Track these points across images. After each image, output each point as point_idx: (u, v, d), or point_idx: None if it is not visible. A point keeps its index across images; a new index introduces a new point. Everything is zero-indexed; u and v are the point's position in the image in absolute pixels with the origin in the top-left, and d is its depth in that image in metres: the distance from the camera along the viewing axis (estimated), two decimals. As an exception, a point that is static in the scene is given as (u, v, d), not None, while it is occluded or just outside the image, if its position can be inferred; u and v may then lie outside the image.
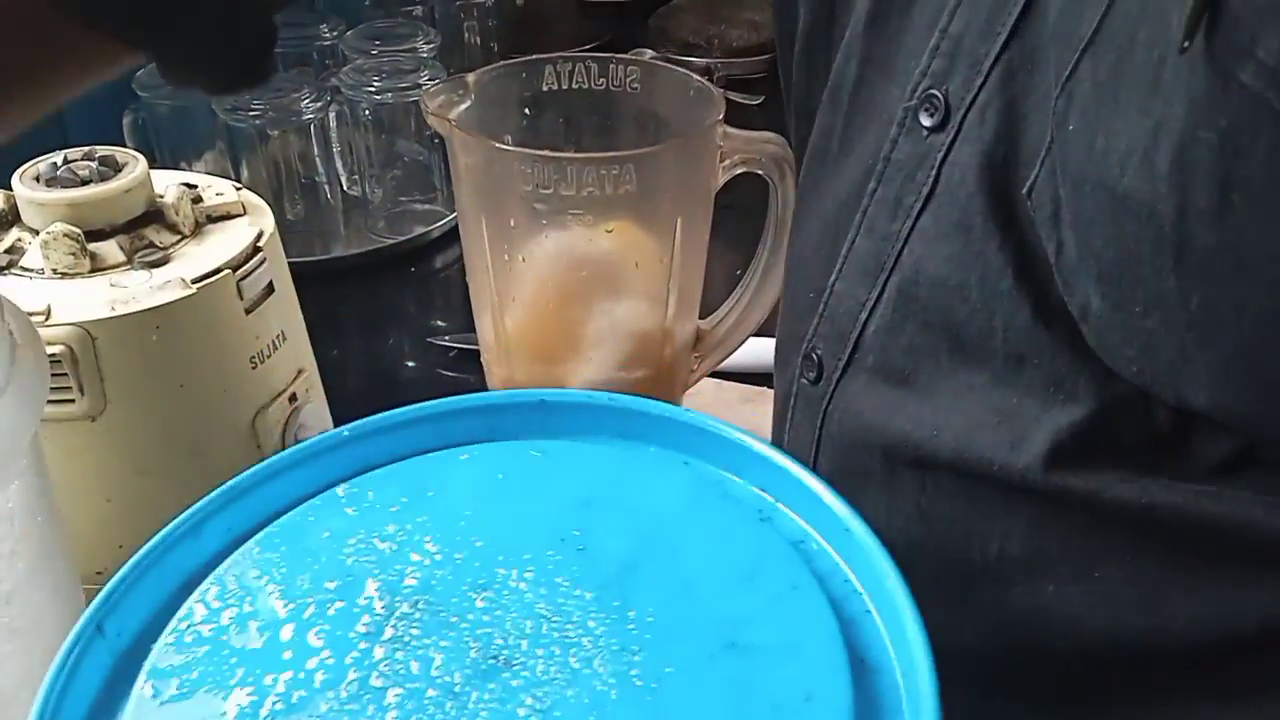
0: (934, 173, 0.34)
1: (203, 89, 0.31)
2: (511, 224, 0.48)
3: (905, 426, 0.36)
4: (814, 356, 0.40)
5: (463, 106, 0.51)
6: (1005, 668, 0.36)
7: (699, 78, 0.53)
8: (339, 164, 0.90)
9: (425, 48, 0.91)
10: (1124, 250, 0.28)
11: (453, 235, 0.92)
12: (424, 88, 0.84)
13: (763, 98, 1.21)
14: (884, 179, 0.36)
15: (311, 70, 0.93)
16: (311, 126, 0.85)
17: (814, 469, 0.39)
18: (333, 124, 0.87)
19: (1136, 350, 0.29)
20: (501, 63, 0.54)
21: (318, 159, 0.88)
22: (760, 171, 0.52)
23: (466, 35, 1.09)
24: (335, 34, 0.94)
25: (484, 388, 0.63)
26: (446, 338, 0.78)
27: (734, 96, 1.18)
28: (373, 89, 0.85)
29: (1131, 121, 0.27)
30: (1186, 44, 0.25)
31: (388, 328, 0.84)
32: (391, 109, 0.88)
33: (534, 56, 0.54)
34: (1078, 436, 0.31)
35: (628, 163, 0.46)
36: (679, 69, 0.54)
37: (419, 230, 0.90)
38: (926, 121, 0.34)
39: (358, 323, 0.85)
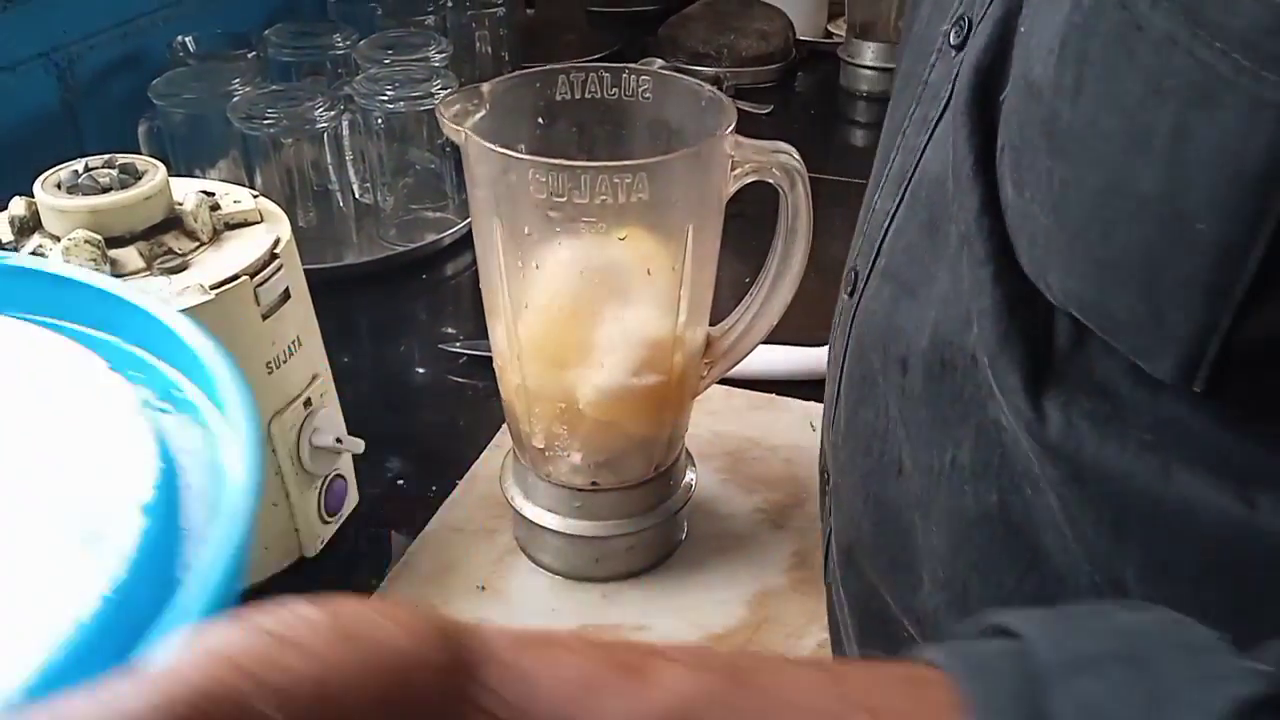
0: (951, 86, 0.37)
1: None
2: (526, 231, 0.49)
3: (899, 323, 0.39)
4: (853, 272, 0.43)
5: (477, 116, 0.52)
6: (970, 572, 0.37)
7: (710, 88, 0.53)
8: (351, 172, 0.91)
9: (437, 57, 0.92)
10: (1024, 137, 0.31)
11: (464, 243, 0.93)
12: (438, 97, 0.85)
13: (772, 106, 1.21)
14: (920, 100, 0.39)
15: (325, 79, 0.94)
16: (325, 135, 0.85)
17: (838, 387, 0.45)
18: (345, 132, 0.88)
19: (1026, 238, 0.31)
20: (516, 73, 0.55)
21: (330, 167, 0.89)
22: (771, 180, 0.52)
23: (478, 44, 1.10)
24: (348, 43, 0.95)
25: (496, 394, 0.64)
26: (457, 344, 0.79)
27: (743, 105, 1.19)
28: (385, 98, 0.86)
29: (1048, 18, 0.30)
30: None
31: (399, 334, 0.84)
32: (404, 118, 0.89)
33: (547, 66, 0.55)
34: (997, 325, 0.33)
35: (640, 171, 0.47)
36: (690, 79, 0.55)
37: (430, 238, 0.91)
38: (954, 41, 0.37)
39: (369, 329, 0.86)
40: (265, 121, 0.81)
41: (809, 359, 0.75)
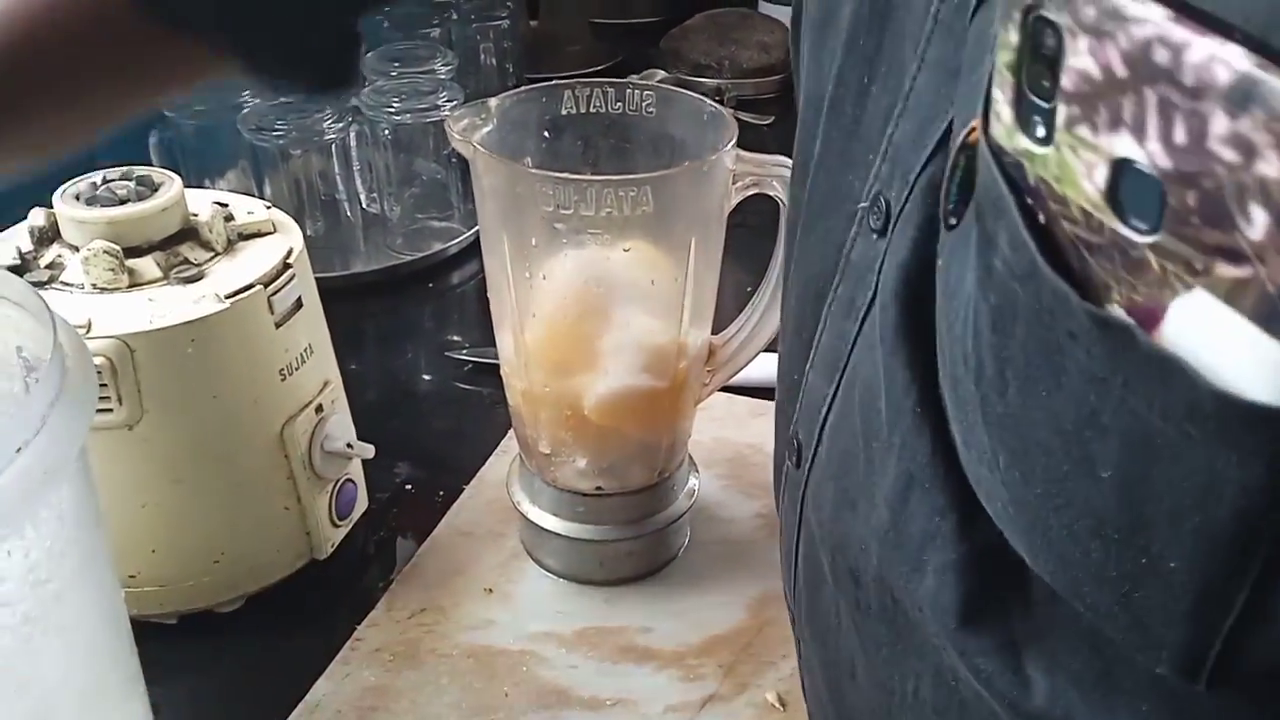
0: (876, 278, 0.32)
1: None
2: (533, 242, 0.50)
3: (845, 534, 0.34)
4: (795, 441, 0.39)
5: (485, 129, 0.54)
6: None
7: (712, 103, 0.55)
8: (358, 182, 0.92)
9: (443, 69, 0.93)
10: (958, 399, 0.27)
11: (469, 252, 0.94)
12: (444, 109, 0.86)
13: (773, 118, 1.23)
14: (844, 276, 0.35)
15: (332, 91, 0.96)
16: (333, 146, 0.87)
17: (795, 559, 0.39)
18: (353, 143, 0.90)
19: (984, 495, 0.27)
20: (523, 87, 0.56)
21: (338, 177, 0.90)
22: (771, 193, 0.54)
23: (483, 56, 1.12)
24: (356, 56, 0.96)
25: (502, 400, 0.65)
26: (464, 351, 0.80)
27: (744, 117, 1.20)
28: (392, 110, 0.87)
29: (959, 270, 0.26)
30: (953, 222, 0.26)
31: (406, 341, 0.86)
32: (410, 129, 0.90)
33: (553, 81, 0.56)
34: (962, 581, 0.28)
35: (645, 185, 0.48)
36: (693, 94, 0.56)
37: (437, 247, 0.92)
38: (874, 225, 0.33)
39: (377, 337, 0.87)
40: (275, 133, 0.82)
41: (809, 367, 0.76)
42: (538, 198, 0.48)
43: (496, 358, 0.79)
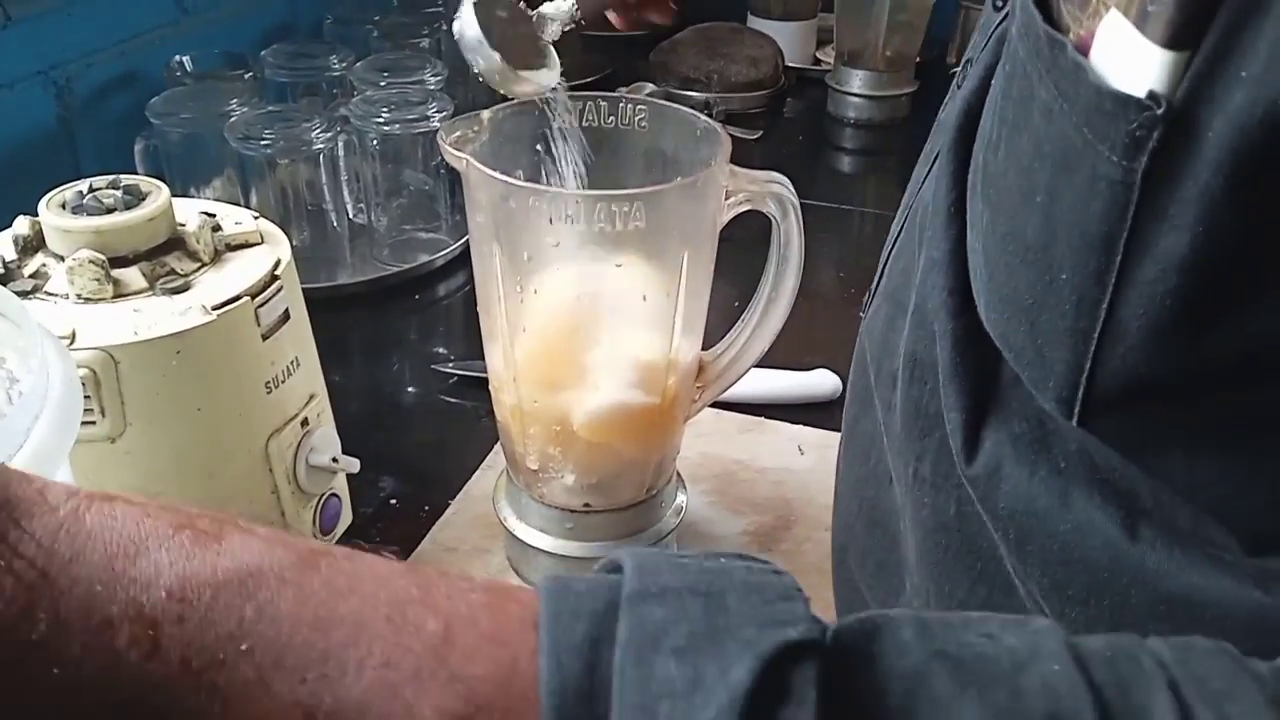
0: (953, 124, 0.39)
1: None
2: (525, 257, 0.50)
3: (893, 339, 0.41)
4: (869, 292, 0.48)
5: (478, 142, 0.53)
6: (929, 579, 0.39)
7: (705, 118, 0.55)
8: (346, 192, 0.92)
9: (433, 80, 0.93)
10: (972, 181, 0.35)
11: (456, 263, 0.94)
12: (435, 121, 0.86)
13: (761, 132, 1.23)
14: (933, 134, 0.44)
15: (321, 100, 0.95)
16: (321, 155, 0.86)
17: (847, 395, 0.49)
18: (341, 153, 0.89)
19: (972, 272, 0.35)
20: (516, 101, 0.56)
21: (325, 187, 0.90)
22: (764, 210, 0.53)
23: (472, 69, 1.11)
24: (344, 65, 0.96)
25: (487, 414, 0.64)
26: (449, 364, 0.80)
27: (734, 131, 1.20)
28: (381, 120, 0.87)
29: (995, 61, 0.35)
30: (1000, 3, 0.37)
31: (391, 354, 0.85)
32: (399, 139, 0.90)
33: (547, 95, 0.56)
34: (953, 352, 0.36)
35: (638, 200, 0.48)
36: (686, 109, 0.56)
37: (423, 258, 0.92)
38: (959, 83, 0.40)
39: (361, 348, 0.86)
40: (262, 142, 0.82)
41: (797, 383, 0.76)
42: (531, 212, 0.48)
43: (483, 371, 0.79)
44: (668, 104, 0.57)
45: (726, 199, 0.53)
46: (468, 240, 0.93)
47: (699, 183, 0.50)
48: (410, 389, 0.81)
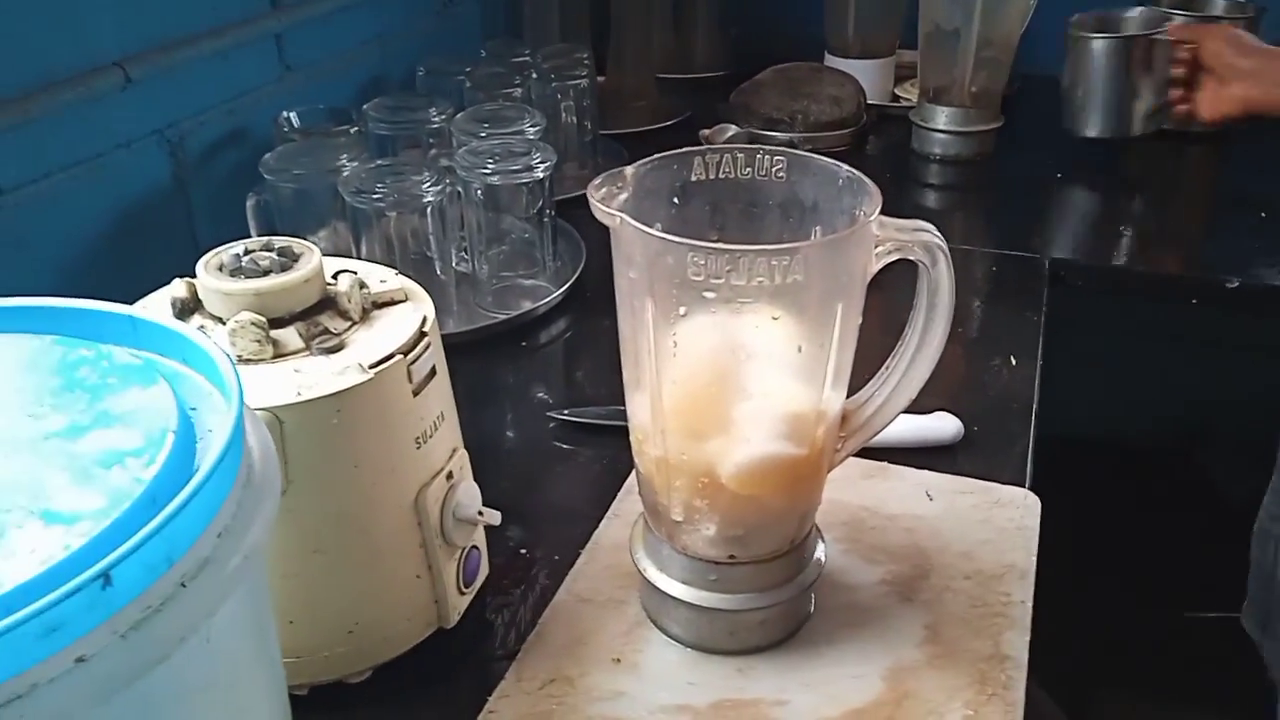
0: None
1: None
2: (682, 312, 0.50)
3: None
4: None
5: (622, 197, 0.53)
6: None
7: (848, 168, 0.55)
8: (450, 241, 0.93)
9: (532, 130, 0.94)
10: None
11: (558, 310, 0.94)
12: (539, 171, 0.87)
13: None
14: None
15: (421, 150, 0.97)
16: (429, 207, 0.87)
17: None
18: (446, 204, 0.90)
19: None
20: (656, 155, 0.56)
21: (431, 236, 0.91)
22: (913, 258, 0.53)
23: (563, 115, 1.12)
24: (443, 116, 0.97)
25: (602, 460, 0.64)
26: (565, 412, 0.80)
27: (824, 158, 1.20)
28: (487, 170, 0.88)
29: None
30: None
31: (502, 401, 0.86)
32: (501, 188, 0.91)
33: (686, 149, 0.56)
34: None
35: (797, 254, 0.48)
36: (826, 159, 0.56)
37: (526, 305, 0.93)
38: None
39: (472, 397, 0.86)
40: (375, 196, 0.83)
41: (918, 426, 0.75)
42: (689, 268, 0.48)
43: (598, 417, 0.79)
44: (808, 154, 0.57)
45: (875, 248, 0.52)
46: (569, 286, 0.95)
47: (855, 235, 0.50)
48: (523, 437, 0.82)
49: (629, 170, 0.54)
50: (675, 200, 0.57)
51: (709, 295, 0.49)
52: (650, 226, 0.53)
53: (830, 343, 0.52)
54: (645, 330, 0.52)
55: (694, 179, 0.57)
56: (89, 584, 0.28)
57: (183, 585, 0.31)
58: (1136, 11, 1.28)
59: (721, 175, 0.57)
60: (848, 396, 0.58)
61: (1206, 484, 1.56)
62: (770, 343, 0.51)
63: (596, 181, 0.53)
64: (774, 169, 0.57)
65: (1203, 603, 1.40)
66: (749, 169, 0.57)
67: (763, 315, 0.50)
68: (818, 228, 0.56)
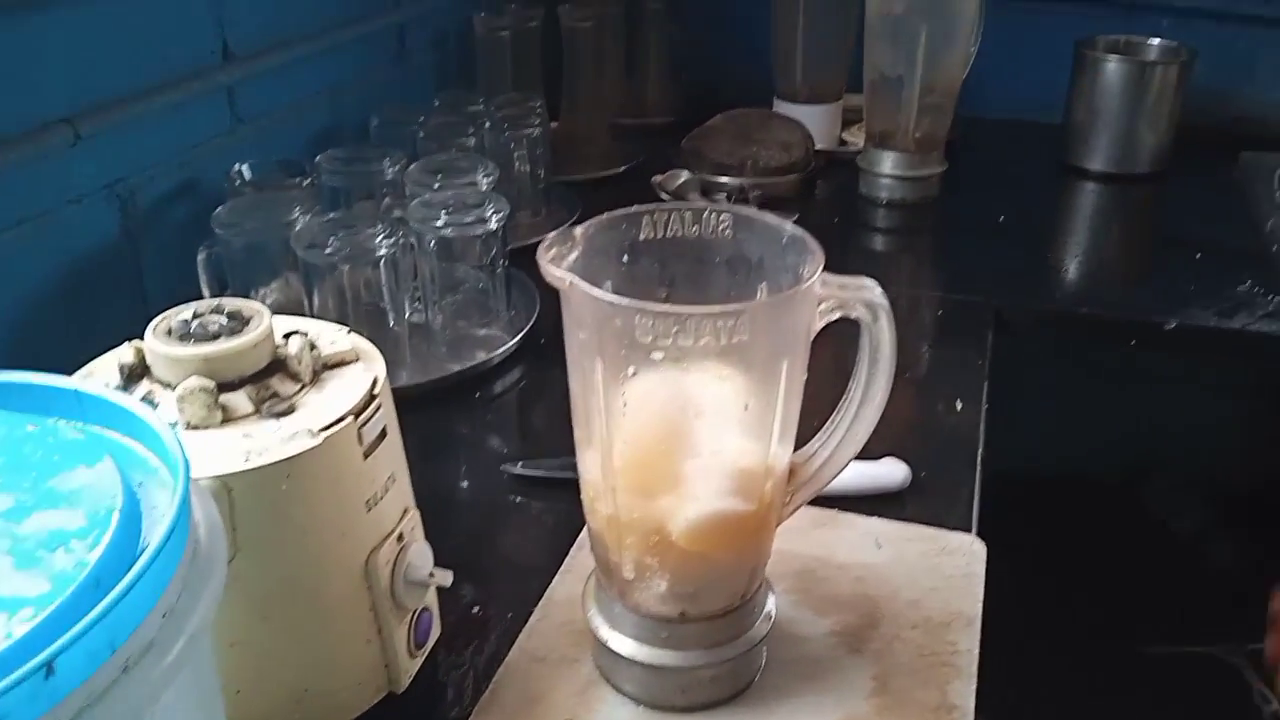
0: None
1: None
2: (631, 371, 0.51)
3: None
4: None
5: (571, 256, 0.54)
6: None
7: (791, 225, 0.56)
8: (403, 293, 0.93)
9: (485, 181, 0.95)
10: None
11: (512, 359, 0.95)
12: (492, 223, 0.88)
13: (796, 215, 1.25)
14: None
15: (375, 201, 0.97)
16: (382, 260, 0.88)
17: None
18: (399, 255, 0.90)
19: None
20: (605, 215, 0.57)
21: (384, 287, 0.91)
22: (854, 315, 0.54)
23: (516, 164, 1.13)
24: (396, 168, 0.98)
25: (557, 515, 0.64)
26: (520, 465, 0.80)
27: (769, 215, 1.22)
28: (440, 223, 0.89)
29: None
30: None
31: (456, 455, 0.85)
32: (455, 239, 0.91)
33: (634, 209, 0.57)
34: None
35: (742, 315, 0.48)
36: (771, 217, 0.57)
37: (481, 356, 0.93)
38: None
39: (424, 451, 0.86)
40: (327, 250, 0.83)
41: (867, 473, 0.76)
42: (636, 330, 0.49)
43: (552, 470, 0.80)
44: (753, 212, 0.58)
45: (819, 305, 0.53)
46: (523, 336, 0.95)
47: (799, 294, 0.51)
48: (477, 491, 0.81)
49: (578, 230, 0.55)
50: (625, 258, 0.58)
51: (657, 356, 0.50)
52: (600, 284, 0.53)
53: (776, 399, 0.52)
54: (595, 390, 0.52)
55: (642, 238, 0.58)
56: (32, 674, 0.28)
57: (125, 670, 0.31)
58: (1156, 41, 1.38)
59: (670, 234, 0.58)
60: (796, 449, 0.59)
61: (1154, 518, 1.59)
62: (718, 400, 0.52)
63: (546, 243, 0.53)
64: (720, 227, 0.58)
65: (1155, 636, 1.43)
66: (696, 227, 0.58)
67: (710, 374, 0.51)
68: (763, 284, 0.57)
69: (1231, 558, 1.50)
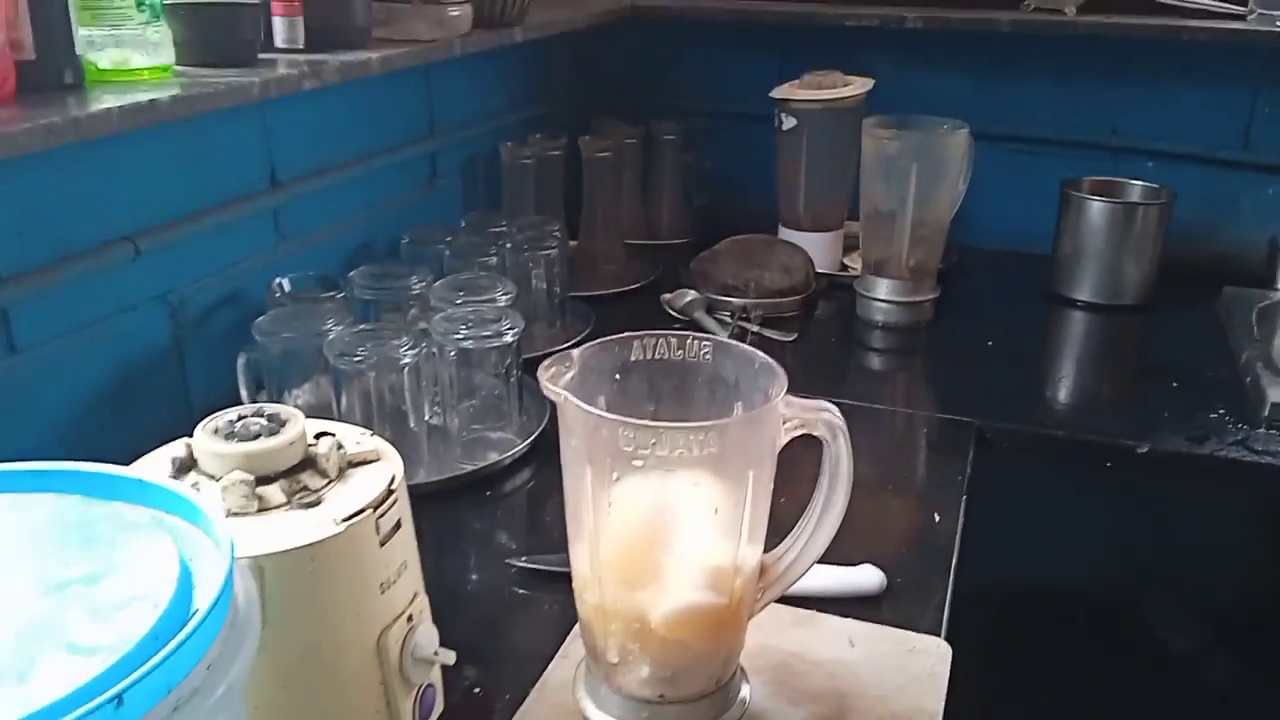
0: None
1: None
2: (614, 477, 0.58)
3: None
4: None
5: (569, 375, 0.62)
6: None
7: (763, 355, 0.63)
8: (424, 397, 1.01)
9: (503, 298, 1.04)
10: None
11: (522, 461, 1.02)
12: (508, 337, 0.96)
13: (796, 334, 1.33)
14: None
15: (403, 314, 1.06)
16: (405, 368, 0.96)
17: None
18: (421, 364, 0.99)
19: None
20: (599, 340, 0.65)
21: (406, 392, 0.99)
22: (816, 434, 0.61)
23: (534, 281, 1.23)
24: (423, 284, 1.07)
25: (557, 605, 0.70)
26: (524, 559, 0.87)
27: (769, 334, 1.31)
28: (460, 335, 0.97)
29: None
30: None
31: (466, 548, 0.92)
32: (473, 350, 1.00)
33: (626, 334, 0.65)
34: None
35: (711, 431, 0.56)
36: (745, 346, 0.65)
37: (493, 457, 1.00)
38: None
39: (437, 543, 0.93)
40: (356, 358, 0.92)
41: (844, 579, 0.82)
42: (620, 440, 0.56)
43: (554, 564, 0.86)
44: (729, 341, 0.66)
45: (784, 424, 0.61)
46: (534, 439, 1.03)
47: (763, 414, 0.59)
48: (484, 582, 0.88)
49: (575, 353, 0.63)
50: (617, 377, 0.66)
51: (638, 463, 0.57)
52: (595, 399, 0.61)
53: (745, 504, 0.59)
54: (584, 491, 0.60)
55: (633, 359, 0.66)
56: (106, 704, 0.35)
57: (176, 709, 0.38)
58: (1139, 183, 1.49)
59: (657, 356, 0.66)
60: (768, 550, 0.65)
61: (1147, 634, 1.62)
62: (692, 504, 0.59)
63: (546, 363, 0.61)
64: (701, 352, 0.66)
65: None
66: (680, 351, 0.66)
67: (686, 480, 0.58)
68: (739, 403, 0.65)
69: (1225, 678, 1.52)
